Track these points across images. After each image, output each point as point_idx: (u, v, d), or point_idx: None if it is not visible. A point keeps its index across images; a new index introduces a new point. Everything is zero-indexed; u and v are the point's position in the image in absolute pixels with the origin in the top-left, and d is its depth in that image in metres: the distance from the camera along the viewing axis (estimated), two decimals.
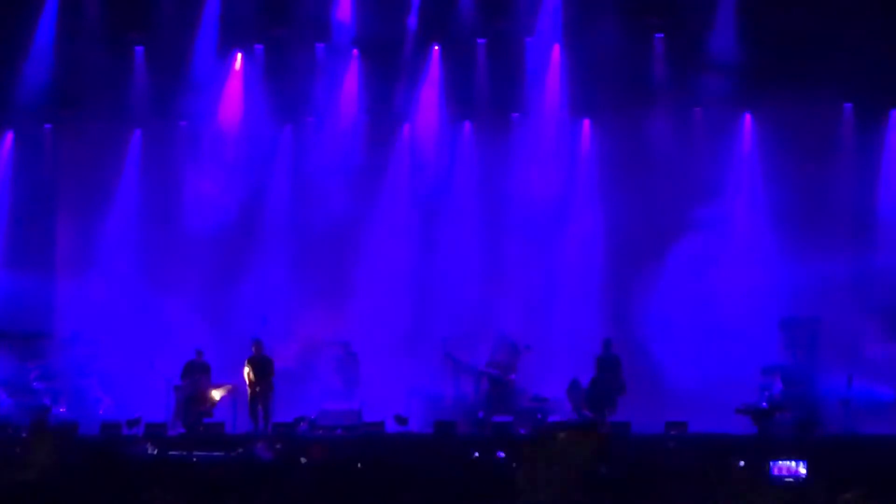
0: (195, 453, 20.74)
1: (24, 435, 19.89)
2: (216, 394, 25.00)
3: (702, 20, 27.37)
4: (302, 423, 24.23)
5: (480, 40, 28.19)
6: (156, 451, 21.54)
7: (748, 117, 27.88)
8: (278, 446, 22.02)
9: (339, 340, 26.34)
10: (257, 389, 24.91)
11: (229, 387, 25.24)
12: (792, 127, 26.54)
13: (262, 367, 25.05)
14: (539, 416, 24.74)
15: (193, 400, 24.83)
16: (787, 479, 15.82)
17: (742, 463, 15.35)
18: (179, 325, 26.31)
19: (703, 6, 27.26)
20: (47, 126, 28.02)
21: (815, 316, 25.61)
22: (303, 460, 21.13)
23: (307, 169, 28.02)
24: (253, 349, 25.07)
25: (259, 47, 28.32)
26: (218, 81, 28.27)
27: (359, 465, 15.50)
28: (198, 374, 25.21)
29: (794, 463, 15.32)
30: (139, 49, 28.11)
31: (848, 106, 27.52)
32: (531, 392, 25.79)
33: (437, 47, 28.31)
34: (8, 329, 25.97)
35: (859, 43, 25.79)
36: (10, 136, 28.03)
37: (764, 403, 24.50)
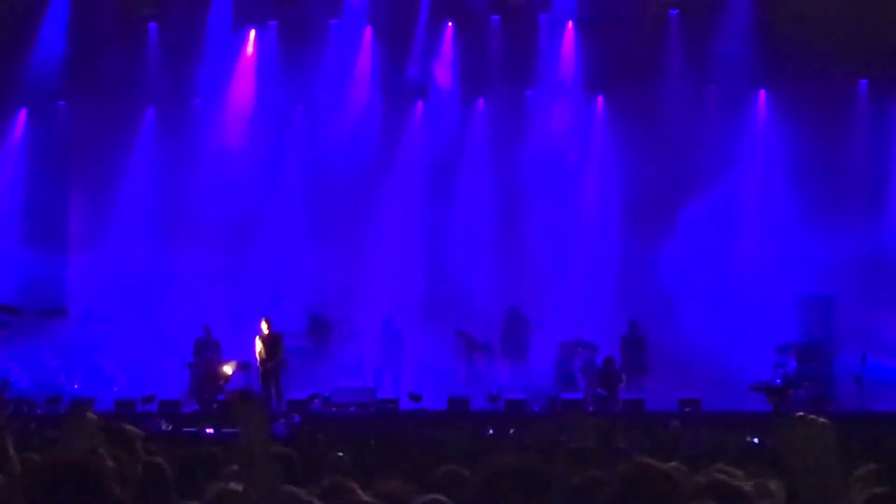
0: (208, 430, 20.77)
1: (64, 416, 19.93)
2: (227, 368, 25.00)
3: None
4: (316, 400, 24.26)
5: (494, 17, 28.13)
6: (170, 428, 21.59)
7: (763, 94, 27.80)
8: (296, 418, 22.08)
9: (385, 315, 26.43)
10: (269, 366, 24.90)
11: (238, 362, 25.25)
12: (807, 104, 26.46)
13: (273, 344, 25.03)
14: (552, 394, 24.71)
15: (207, 377, 24.84)
16: None
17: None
18: (192, 302, 26.31)
19: None
20: (61, 103, 28.00)
21: (830, 294, 25.56)
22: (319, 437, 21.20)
23: (320, 146, 28.01)
24: (262, 327, 25.03)
25: (273, 24, 28.29)
26: (231, 58, 28.27)
27: (371, 442, 15.52)
28: (209, 352, 25.24)
29: None
30: (153, 25, 28.10)
31: (863, 82, 27.43)
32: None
33: (450, 24, 28.25)
34: (22, 306, 26.01)
35: (874, 19, 25.68)
36: (23, 113, 28.03)
37: (778, 381, 24.48)
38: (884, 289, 26.31)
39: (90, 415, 6.13)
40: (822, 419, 4.70)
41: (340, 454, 10.41)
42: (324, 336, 26.66)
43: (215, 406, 23.87)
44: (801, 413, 4.76)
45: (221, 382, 24.79)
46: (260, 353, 24.95)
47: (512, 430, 19.82)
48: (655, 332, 25.63)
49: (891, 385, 24.46)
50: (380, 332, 26.36)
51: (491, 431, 21.61)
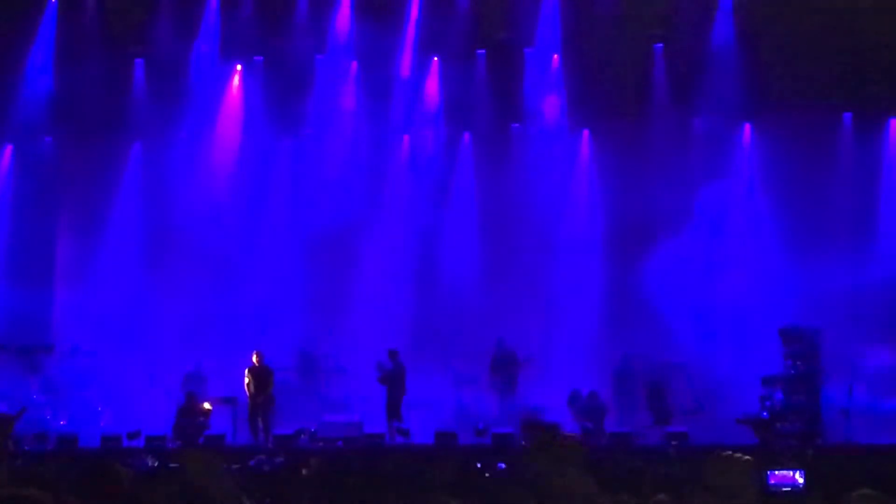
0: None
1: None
2: (207, 405, 24.90)
3: (701, 31, 27.43)
4: (302, 435, 24.19)
5: (480, 51, 28.24)
6: (156, 464, 21.49)
7: (748, 127, 27.91)
8: (279, 460, 21.99)
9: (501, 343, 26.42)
10: (258, 400, 24.84)
11: (218, 401, 25.15)
12: (792, 136, 26.56)
13: (263, 378, 24.98)
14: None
15: (186, 412, 24.72)
16: (784, 489, 15.80)
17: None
18: (179, 337, 26.27)
19: (702, 17, 27.29)
20: (47, 139, 28.01)
21: (816, 325, 25.59)
22: (304, 472, 21.15)
23: (306, 180, 28.04)
24: (254, 360, 25.00)
25: (258, 59, 28.35)
26: (218, 93, 28.32)
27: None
28: (193, 385, 25.18)
29: (791, 472, 15.29)
30: (139, 62, 28.15)
31: (847, 115, 27.56)
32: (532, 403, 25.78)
33: (436, 58, 28.35)
34: (8, 342, 25.96)
35: (857, 52, 25.83)
36: (9, 150, 28.03)
37: (765, 413, 24.48)
38: (868, 319, 26.36)
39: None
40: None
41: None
42: (312, 371, 26.64)
43: (201, 441, 23.78)
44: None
45: (202, 419, 24.69)
46: (248, 385, 24.89)
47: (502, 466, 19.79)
48: (641, 365, 25.67)
49: (877, 417, 24.47)
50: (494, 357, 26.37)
51: (479, 465, 21.60)
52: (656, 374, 25.78)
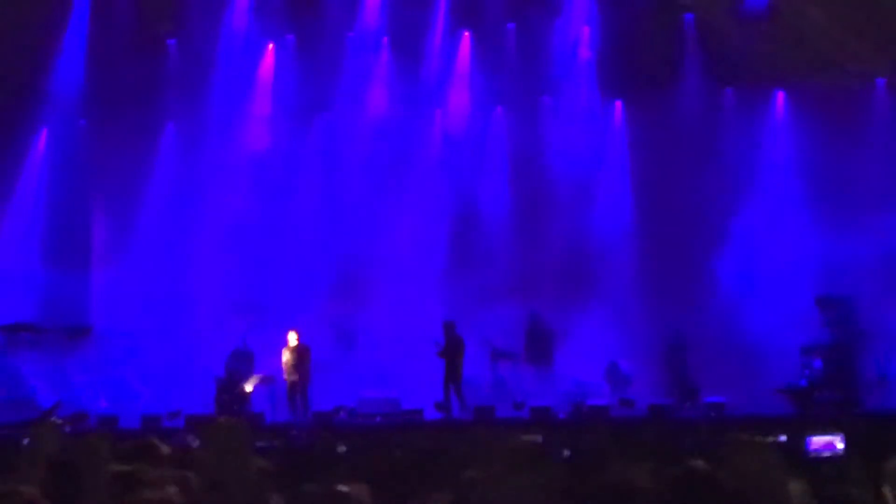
0: None
1: None
2: (248, 386, 25.02)
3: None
4: (341, 412, 24.28)
5: (510, 24, 28.19)
6: (197, 443, 21.60)
7: (780, 95, 27.78)
8: (316, 437, 22.07)
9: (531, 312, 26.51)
10: (295, 379, 24.95)
11: (259, 378, 25.25)
12: (824, 104, 26.41)
13: (300, 357, 25.08)
14: (577, 400, 24.71)
15: (229, 390, 24.84)
16: (824, 455, 15.74)
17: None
18: (216, 316, 26.38)
19: None
20: (81, 121, 28.14)
21: (851, 293, 25.46)
22: (341, 449, 21.25)
23: (338, 157, 28.09)
24: (290, 339, 25.10)
25: (290, 38, 28.39)
26: (249, 72, 28.39)
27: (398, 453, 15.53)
28: (238, 362, 25.27)
29: (831, 437, 15.22)
30: (171, 42, 28.23)
31: (880, 81, 27.39)
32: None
33: (467, 33, 28.33)
34: (47, 324, 26.15)
35: (891, 18, 25.65)
36: (44, 133, 28.17)
37: (804, 382, 24.40)
38: None
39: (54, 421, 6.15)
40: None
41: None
42: (349, 347, 26.71)
43: (242, 419, 23.87)
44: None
45: (241, 397, 24.79)
46: (286, 364, 25.01)
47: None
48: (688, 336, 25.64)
49: None
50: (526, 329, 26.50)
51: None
52: (677, 347, 25.73)
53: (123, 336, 26.47)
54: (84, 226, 28.35)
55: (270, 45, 28.51)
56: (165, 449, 7.32)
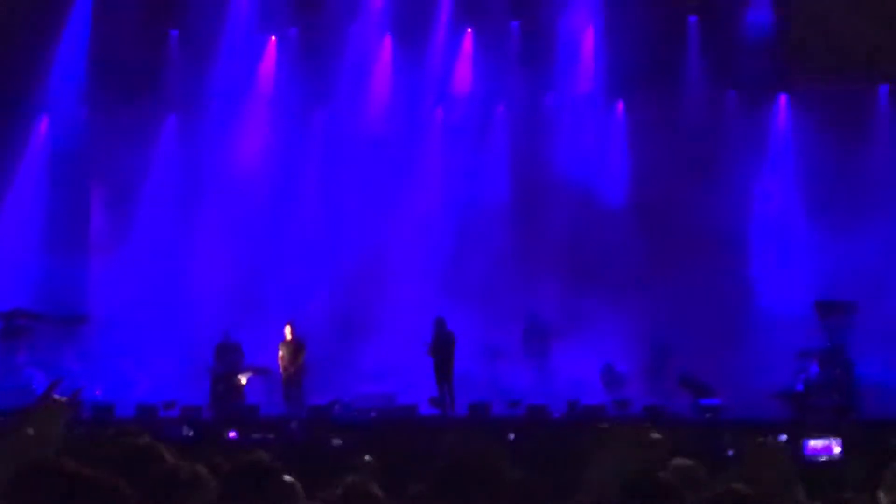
0: (231, 434, 20.82)
1: None
2: (242, 378, 24.99)
3: (735, 1, 27.32)
4: (336, 406, 24.26)
5: (514, 22, 28.16)
6: (192, 434, 21.62)
7: (783, 98, 27.77)
8: (312, 430, 22.09)
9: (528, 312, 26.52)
10: (291, 372, 24.94)
11: (254, 370, 25.23)
12: (827, 108, 26.41)
13: (295, 350, 25.08)
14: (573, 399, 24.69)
15: (224, 382, 24.82)
16: (821, 458, 15.70)
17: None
18: (214, 307, 26.34)
19: None
20: (82, 110, 28.10)
21: (851, 298, 25.46)
22: (336, 442, 21.26)
23: (339, 152, 28.05)
24: (286, 332, 25.08)
25: (293, 31, 28.36)
26: (252, 65, 28.37)
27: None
28: (229, 356, 25.24)
29: (828, 441, 15.19)
30: (174, 33, 28.21)
31: (883, 87, 27.38)
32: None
33: (470, 30, 28.30)
34: (44, 311, 26.14)
35: (894, 24, 25.65)
36: (45, 120, 28.14)
37: (800, 386, 24.39)
38: None
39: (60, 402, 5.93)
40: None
41: (368, 458, 10.40)
42: (346, 341, 26.68)
43: (236, 412, 23.88)
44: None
45: (237, 392, 24.78)
46: (282, 358, 25.00)
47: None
48: (674, 338, 25.59)
49: None
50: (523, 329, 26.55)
51: (512, 437, 21.64)
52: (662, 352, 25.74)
53: (120, 325, 26.46)
54: (83, 214, 28.31)
55: (273, 38, 28.47)
56: None
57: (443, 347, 24.88)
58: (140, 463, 5.59)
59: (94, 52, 27.66)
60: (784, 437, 16.07)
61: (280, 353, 25.06)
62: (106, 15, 27.68)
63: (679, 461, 6.44)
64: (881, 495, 7.08)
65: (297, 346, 25.12)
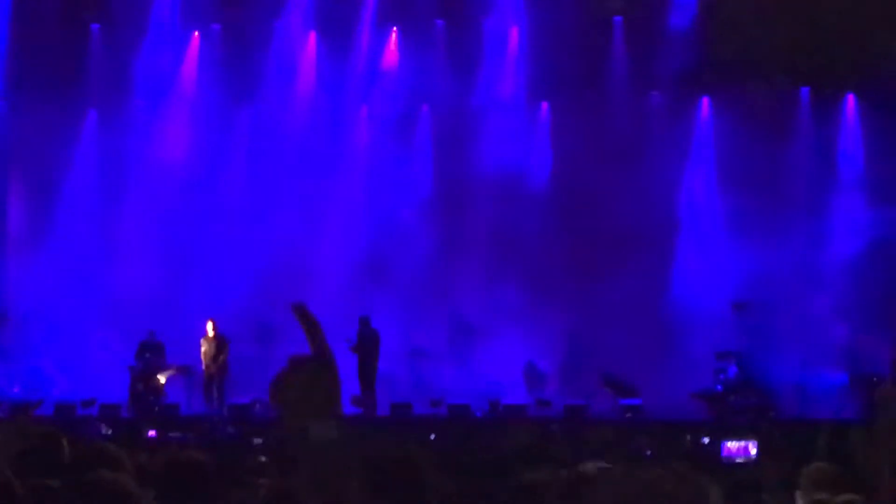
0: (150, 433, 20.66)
1: None
2: (161, 378, 24.78)
3: (660, 3, 27.47)
4: (258, 405, 24.11)
5: (439, 21, 28.13)
6: (110, 432, 21.42)
7: (706, 100, 27.96)
8: (230, 430, 21.96)
9: None
10: (212, 370, 24.76)
11: (175, 369, 25.03)
12: (749, 111, 26.62)
13: (218, 347, 24.90)
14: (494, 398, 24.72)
15: (144, 380, 24.61)
16: (737, 460, 15.87)
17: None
18: (135, 305, 26.07)
19: None
20: (1, 103, 27.71)
21: (768, 299, 25.70)
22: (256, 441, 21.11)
23: (263, 149, 27.86)
24: (208, 329, 24.89)
25: (216, 27, 28.14)
26: (174, 61, 28.12)
27: None
28: (150, 354, 25.02)
29: (745, 443, 15.35)
30: (95, 27, 27.90)
31: (805, 90, 27.64)
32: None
33: (395, 28, 28.24)
34: None
35: (815, 27, 25.90)
36: None
37: (719, 387, 24.58)
38: (820, 296, 26.43)
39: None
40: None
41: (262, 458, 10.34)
42: (269, 340, 26.51)
43: (156, 410, 23.70)
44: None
45: (156, 388, 24.57)
46: (204, 354, 24.82)
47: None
48: (595, 341, 25.70)
49: (830, 391, 24.65)
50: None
51: (433, 437, 21.62)
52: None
53: (39, 323, 26.14)
54: (1, 210, 27.92)
55: (196, 33, 28.23)
56: None
57: (368, 345, 24.80)
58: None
59: (14, 44, 27.27)
60: (706, 440, 16.18)
61: (202, 348, 24.89)
62: (26, 7, 27.32)
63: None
64: (798, 497, 7.13)
65: (219, 342, 24.95)
